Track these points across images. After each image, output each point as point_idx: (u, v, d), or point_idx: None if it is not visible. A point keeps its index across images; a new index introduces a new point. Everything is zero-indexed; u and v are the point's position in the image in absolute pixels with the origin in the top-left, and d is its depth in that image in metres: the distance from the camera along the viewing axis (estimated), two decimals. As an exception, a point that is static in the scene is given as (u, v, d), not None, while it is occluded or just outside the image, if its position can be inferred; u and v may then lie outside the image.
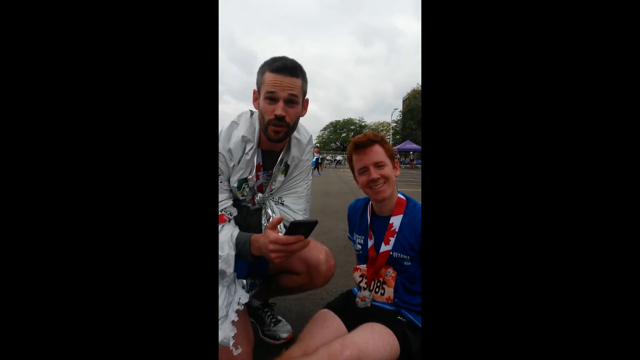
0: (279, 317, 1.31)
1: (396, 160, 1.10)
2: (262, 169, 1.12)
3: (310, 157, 1.20)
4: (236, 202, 1.11)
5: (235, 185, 1.06)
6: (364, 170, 1.05)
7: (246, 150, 1.04)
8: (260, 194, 1.12)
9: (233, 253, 0.94)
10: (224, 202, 1.05)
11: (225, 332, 0.90)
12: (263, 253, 0.91)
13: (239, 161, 1.05)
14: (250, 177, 1.06)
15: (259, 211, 1.13)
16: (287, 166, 1.14)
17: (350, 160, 1.11)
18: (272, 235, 0.86)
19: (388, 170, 1.04)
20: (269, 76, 0.98)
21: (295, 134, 1.11)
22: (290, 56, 1.02)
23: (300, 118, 1.08)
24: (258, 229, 1.09)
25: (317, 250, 1.12)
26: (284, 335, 1.24)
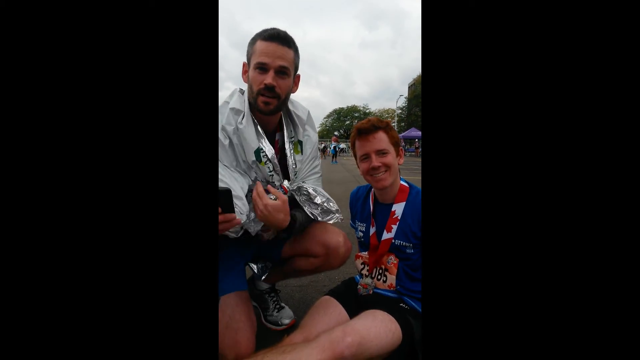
0: (283, 304, 1.32)
1: (400, 147, 1.08)
2: None
3: (314, 134, 1.15)
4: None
5: (254, 158, 1.00)
6: (366, 157, 1.03)
7: (238, 120, 0.99)
8: (286, 182, 1.06)
9: None
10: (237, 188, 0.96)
11: None
12: None
13: (235, 133, 0.99)
14: (261, 145, 0.99)
15: (292, 199, 1.06)
16: (300, 143, 1.09)
17: (353, 146, 1.09)
18: None
19: (390, 158, 1.02)
20: (260, 45, 0.94)
21: (293, 109, 1.07)
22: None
23: (299, 102, 1.05)
24: (307, 217, 1.06)
25: (335, 233, 1.14)
26: (286, 321, 1.25)
